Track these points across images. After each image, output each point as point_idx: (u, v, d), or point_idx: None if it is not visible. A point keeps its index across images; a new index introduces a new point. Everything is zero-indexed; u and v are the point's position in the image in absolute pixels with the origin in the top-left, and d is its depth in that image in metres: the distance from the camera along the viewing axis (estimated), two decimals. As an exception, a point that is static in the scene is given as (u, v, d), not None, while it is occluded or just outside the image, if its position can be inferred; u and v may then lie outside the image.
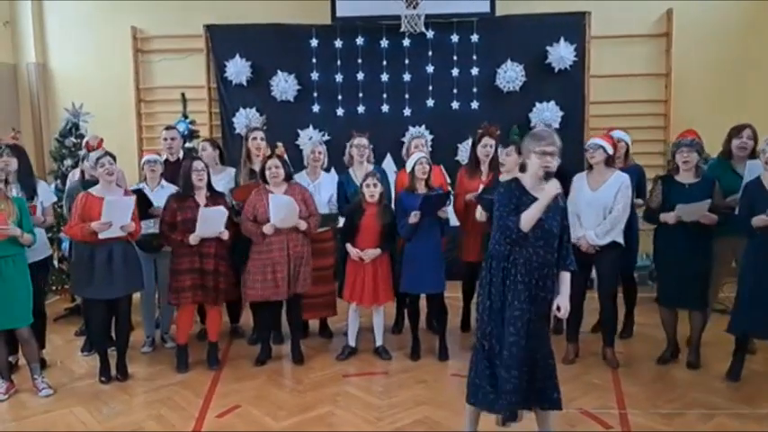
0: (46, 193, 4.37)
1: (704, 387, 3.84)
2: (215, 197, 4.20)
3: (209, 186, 4.20)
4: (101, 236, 3.84)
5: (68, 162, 5.51)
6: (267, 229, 4.07)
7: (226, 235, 4.07)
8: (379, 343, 4.44)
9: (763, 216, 3.61)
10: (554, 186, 2.82)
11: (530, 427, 3.10)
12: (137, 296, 4.35)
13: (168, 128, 5.03)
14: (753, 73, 6.21)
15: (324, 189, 4.57)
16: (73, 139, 5.58)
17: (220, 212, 4.06)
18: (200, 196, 4.13)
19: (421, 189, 4.20)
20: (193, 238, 4.01)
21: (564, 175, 4.49)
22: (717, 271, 4.15)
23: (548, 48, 6.19)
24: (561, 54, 6.16)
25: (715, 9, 6.23)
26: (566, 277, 2.94)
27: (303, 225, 4.15)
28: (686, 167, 3.99)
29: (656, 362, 4.21)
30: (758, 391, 3.77)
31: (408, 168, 4.25)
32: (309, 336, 4.81)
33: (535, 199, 2.84)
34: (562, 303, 2.90)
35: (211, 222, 4.03)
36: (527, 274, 2.85)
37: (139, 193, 4.23)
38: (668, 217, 3.95)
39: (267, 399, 3.84)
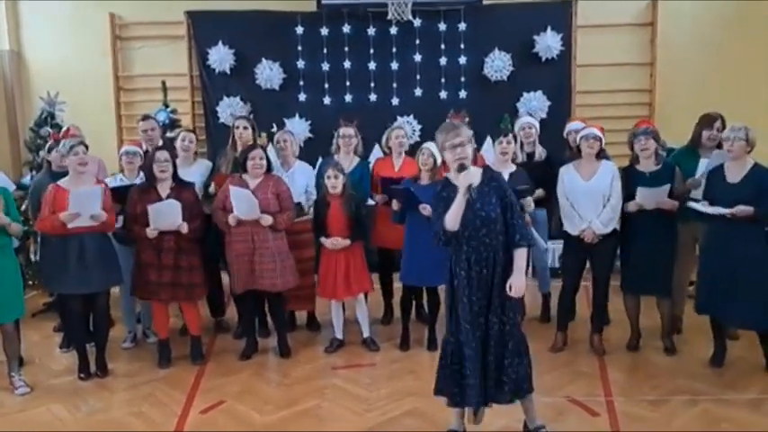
0: (4, 182, 4.24)
1: (688, 374, 3.85)
2: (180, 188, 4.05)
3: (176, 177, 4.07)
4: (69, 225, 3.72)
5: (44, 152, 5.36)
6: (230, 219, 4.01)
7: (185, 228, 3.93)
8: (366, 334, 4.39)
9: (719, 208, 3.63)
10: (467, 177, 2.77)
11: (518, 418, 3.09)
12: (116, 290, 4.23)
13: (145, 118, 4.86)
14: (737, 62, 6.21)
15: (298, 178, 4.47)
16: (48, 128, 5.48)
17: (171, 206, 3.90)
18: (164, 188, 4.01)
19: (425, 180, 4.16)
20: (149, 232, 3.90)
21: (551, 165, 4.53)
22: (682, 257, 4.15)
23: (535, 37, 6.16)
24: (548, 43, 6.13)
25: (700, -2, 6.24)
26: (520, 254, 2.85)
27: (267, 221, 4.01)
28: (645, 155, 4.00)
29: (627, 348, 4.21)
30: (741, 377, 3.79)
31: (418, 159, 4.20)
32: (297, 329, 4.74)
33: None
34: (514, 283, 2.82)
35: (165, 216, 3.89)
36: (477, 265, 2.82)
37: (119, 189, 4.11)
38: (629, 206, 3.95)
39: (253, 393, 3.76)
